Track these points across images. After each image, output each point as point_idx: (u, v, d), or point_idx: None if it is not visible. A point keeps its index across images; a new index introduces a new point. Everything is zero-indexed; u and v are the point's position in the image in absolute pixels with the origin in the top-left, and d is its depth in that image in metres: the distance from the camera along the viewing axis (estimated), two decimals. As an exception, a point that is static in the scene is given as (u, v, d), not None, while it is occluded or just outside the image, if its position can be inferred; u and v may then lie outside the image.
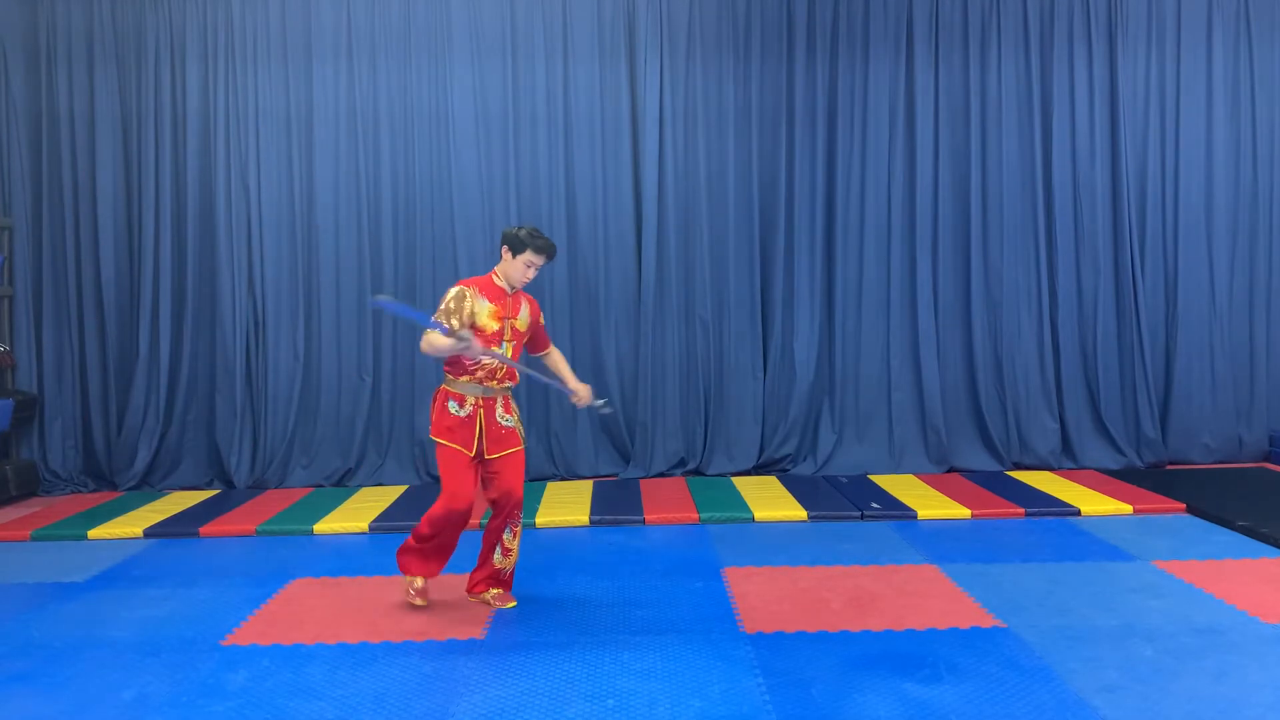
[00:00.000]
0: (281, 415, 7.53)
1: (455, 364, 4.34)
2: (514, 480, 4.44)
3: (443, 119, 7.52)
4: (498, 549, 4.55)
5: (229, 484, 7.45)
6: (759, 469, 7.59)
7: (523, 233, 4.36)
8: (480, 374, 4.35)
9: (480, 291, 4.34)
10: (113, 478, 7.52)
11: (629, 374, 7.63)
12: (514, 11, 7.52)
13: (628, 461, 7.60)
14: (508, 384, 4.44)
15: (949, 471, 7.50)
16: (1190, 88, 7.69)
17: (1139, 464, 7.54)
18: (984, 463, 7.55)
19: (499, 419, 4.42)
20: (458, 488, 4.31)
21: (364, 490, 7.23)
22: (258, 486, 7.43)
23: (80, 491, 7.43)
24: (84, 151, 7.49)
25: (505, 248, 4.38)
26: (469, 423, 4.35)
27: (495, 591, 4.61)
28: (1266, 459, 7.75)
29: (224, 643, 4.21)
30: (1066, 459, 7.60)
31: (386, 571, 5.24)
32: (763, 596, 4.65)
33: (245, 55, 7.48)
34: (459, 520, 4.39)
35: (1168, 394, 7.75)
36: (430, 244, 7.54)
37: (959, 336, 7.68)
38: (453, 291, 4.32)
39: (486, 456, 4.39)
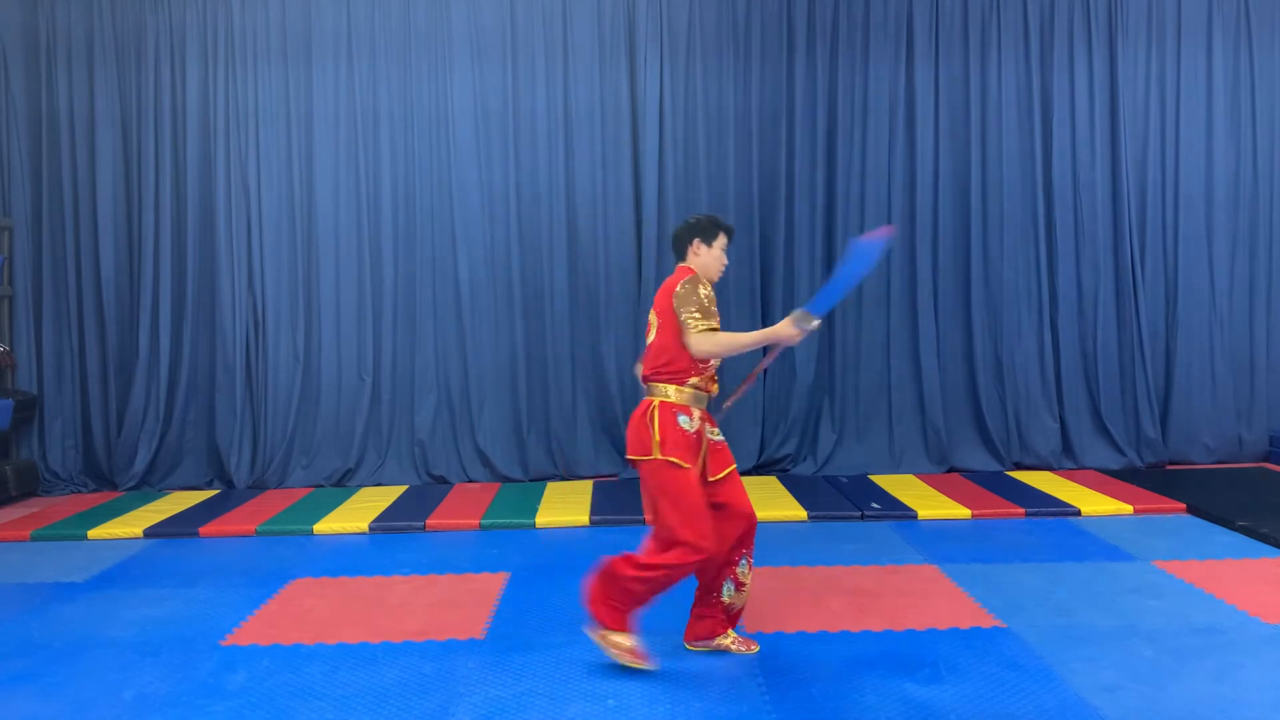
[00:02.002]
0: (281, 415, 7.53)
1: (687, 367, 3.76)
2: (747, 500, 3.87)
3: (443, 119, 7.53)
4: (728, 584, 3.88)
5: (229, 484, 7.45)
6: (759, 469, 7.59)
7: (705, 219, 3.91)
8: (705, 379, 3.82)
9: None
10: (113, 478, 7.53)
11: (629, 374, 7.62)
12: (514, 12, 7.52)
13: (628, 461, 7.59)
14: (714, 390, 3.92)
15: (949, 471, 7.50)
16: (1190, 88, 7.69)
17: (1139, 464, 7.54)
18: (984, 463, 7.55)
19: (711, 434, 3.90)
20: (704, 527, 3.65)
21: (364, 490, 7.23)
22: (258, 486, 7.43)
23: (80, 491, 7.43)
24: (84, 151, 7.49)
25: (697, 240, 3.87)
26: (696, 441, 3.78)
27: (733, 635, 3.98)
28: (1266, 459, 7.75)
29: (224, 643, 4.21)
30: (1067, 459, 7.60)
31: (386, 571, 5.24)
32: (763, 596, 4.65)
33: (245, 55, 7.48)
34: (694, 570, 3.78)
35: (1168, 394, 7.75)
36: (430, 244, 7.55)
37: (959, 336, 7.67)
38: (696, 284, 3.76)
39: (710, 479, 3.80)
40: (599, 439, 7.65)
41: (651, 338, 3.88)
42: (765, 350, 4.87)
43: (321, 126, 7.51)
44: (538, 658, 3.97)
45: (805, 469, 7.52)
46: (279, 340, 7.54)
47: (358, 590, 4.93)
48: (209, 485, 7.50)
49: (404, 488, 7.28)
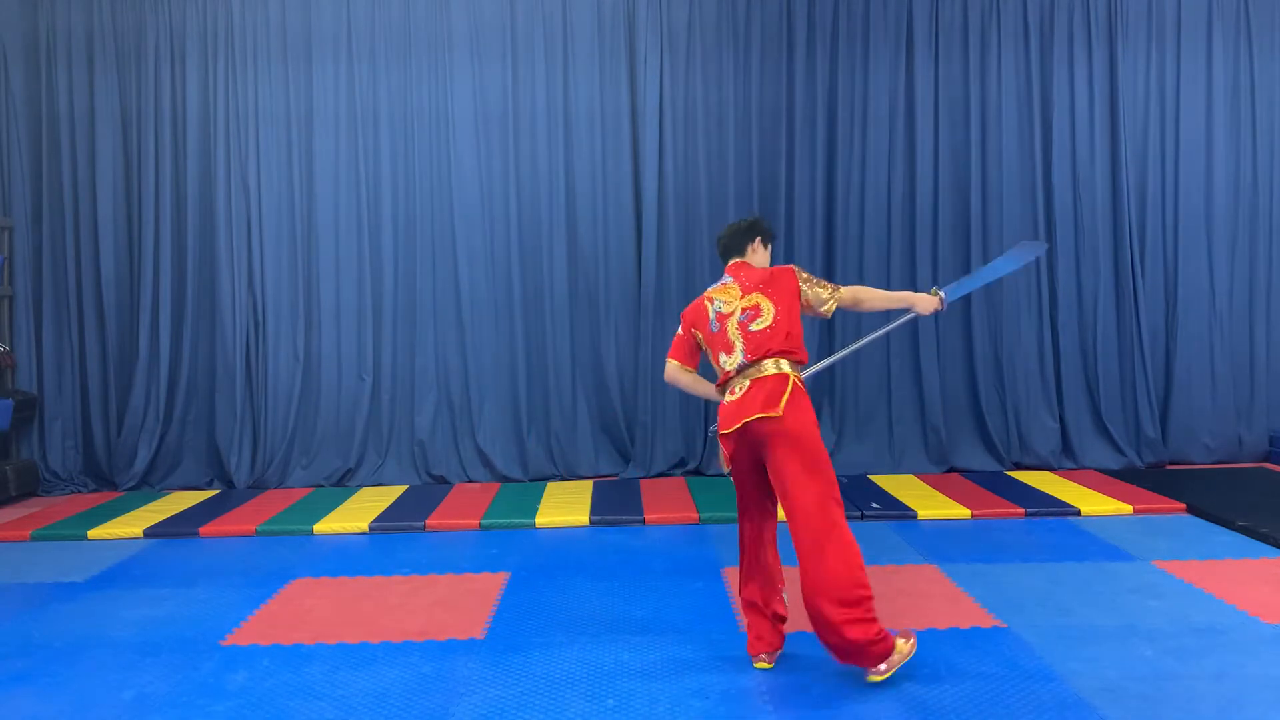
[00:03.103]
0: (281, 415, 7.53)
1: (801, 347, 3.95)
2: None
3: (443, 119, 7.53)
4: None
5: (229, 484, 7.45)
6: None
7: (764, 222, 4.21)
8: None
9: None
10: (113, 478, 7.52)
11: (629, 374, 7.63)
12: (514, 11, 7.52)
13: (628, 461, 7.60)
14: None
15: (949, 471, 7.49)
16: (1190, 88, 7.69)
17: (1139, 464, 7.53)
18: (984, 463, 7.55)
19: None
20: None
21: (364, 490, 7.23)
22: (258, 486, 7.43)
23: (80, 491, 7.43)
24: (84, 151, 7.49)
25: (759, 239, 4.13)
26: None
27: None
28: (1266, 459, 7.75)
29: (224, 643, 4.21)
30: (1066, 459, 7.60)
31: (386, 571, 5.24)
32: (763, 596, 4.65)
33: (245, 55, 7.48)
34: None
35: (1168, 394, 7.75)
36: (430, 244, 7.55)
37: (959, 336, 7.67)
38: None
39: None
40: (599, 439, 7.65)
41: (768, 322, 3.86)
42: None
43: (321, 126, 7.51)
44: (538, 658, 3.97)
45: (805, 469, 7.50)
46: (279, 340, 7.53)
47: (358, 590, 4.93)
48: (209, 485, 7.50)
49: (404, 488, 7.28)
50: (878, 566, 5.10)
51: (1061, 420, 7.64)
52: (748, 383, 3.81)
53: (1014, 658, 3.86)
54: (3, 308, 7.47)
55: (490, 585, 4.95)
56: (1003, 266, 4.61)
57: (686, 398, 7.60)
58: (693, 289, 7.57)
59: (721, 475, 7.47)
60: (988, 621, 4.26)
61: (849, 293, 4.05)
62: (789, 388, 3.73)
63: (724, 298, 3.98)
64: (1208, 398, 7.72)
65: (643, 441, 7.54)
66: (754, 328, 3.88)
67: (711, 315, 3.97)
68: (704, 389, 4.11)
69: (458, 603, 4.67)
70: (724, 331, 3.91)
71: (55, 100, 7.49)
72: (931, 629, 4.18)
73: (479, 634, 4.24)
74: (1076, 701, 3.45)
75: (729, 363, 3.88)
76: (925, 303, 4.15)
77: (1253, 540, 5.50)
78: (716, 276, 7.46)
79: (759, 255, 4.13)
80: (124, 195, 7.54)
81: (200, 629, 4.39)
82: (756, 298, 3.93)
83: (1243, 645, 3.96)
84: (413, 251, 7.56)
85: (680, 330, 4.10)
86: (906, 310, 4.20)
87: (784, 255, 7.58)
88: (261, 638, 4.26)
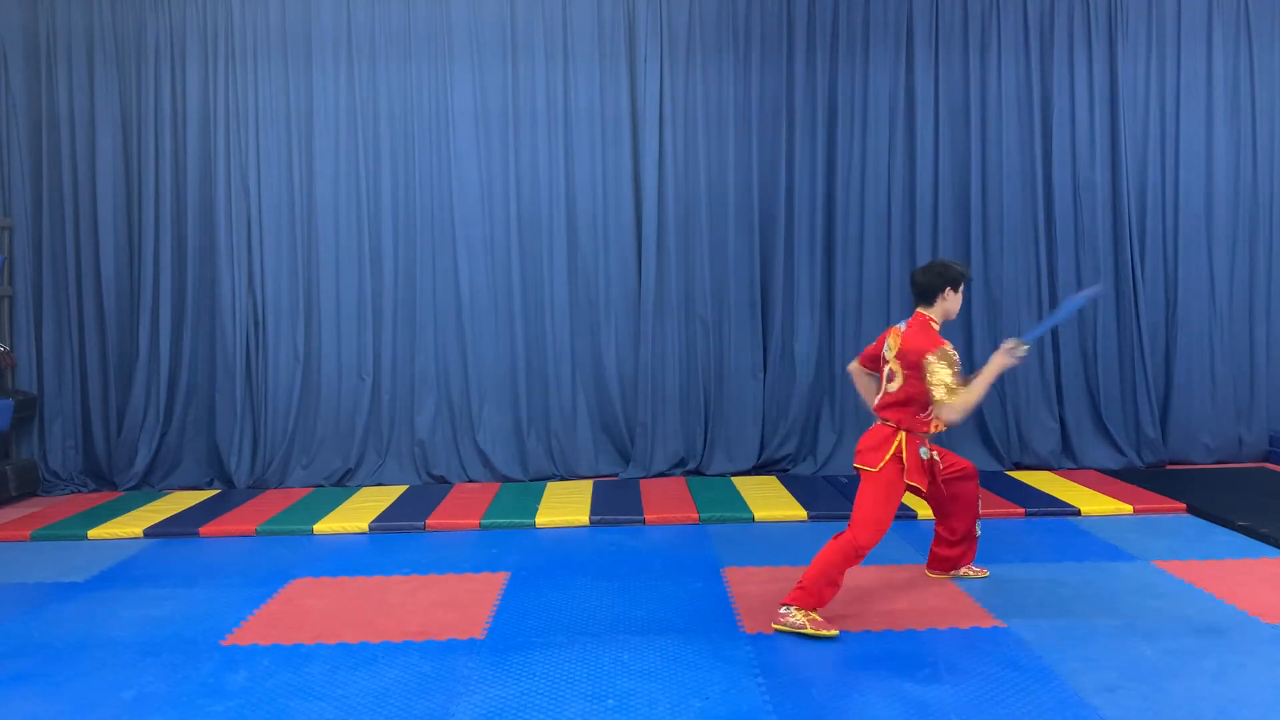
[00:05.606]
0: (281, 415, 7.53)
1: (926, 418, 4.36)
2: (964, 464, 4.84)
3: (443, 119, 7.53)
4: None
5: (229, 484, 7.45)
6: (759, 469, 7.58)
7: (957, 267, 4.41)
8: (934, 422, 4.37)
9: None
10: (113, 478, 7.52)
11: (629, 374, 7.63)
12: (514, 12, 7.52)
13: (628, 461, 7.60)
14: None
15: (949, 471, 7.48)
16: (1190, 88, 7.69)
17: (1139, 464, 7.54)
18: (984, 463, 7.54)
19: (933, 455, 4.62)
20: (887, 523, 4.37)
21: (364, 490, 7.23)
22: (258, 486, 7.43)
23: (80, 491, 7.43)
24: (84, 151, 7.49)
25: (949, 289, 4.36)
26: (928, 464, 4.53)
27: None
28: (1266, 459, 7.75)
29: (224, 643, 4.21)
30: (1066, 459, 7.60)
31: (387, 571, 5.24)
32: (763, 596, 4.65)
33: (245, 55, 7.48)
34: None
35: (1168, 394, 7.75)
36: (430, 244, 7.55)
37: (958, 336, 7.65)
38: (945, 356, 4.21)
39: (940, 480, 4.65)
40: (599, 439, 7.65)
41: (896, 386, 4.40)
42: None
43: (321, 126, 7.51)
44: (538, 658, 3.97)
45: (805, 469, 7.52)
46: (279, 340, 7.53)
47: (358, 590, 4.93)
48: (209, 485, 7.50)
49: (404, 488, 7.28)
50: (877, 566, 5.11)
51: (1061, 420, 7.64)
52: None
53: (1014, 658, 3.86)
54: (3, 308, 7.47)
55: (490, 585, 4.95)
56: (1065, 312, 4.72)
57: (687, 397, 7.61)
58: (692, 289, 7.58)
59: (722, 475, 7.47)
60: (988, 621, 4.26)
61: (957, 412, 4.20)
62: (903, 451, 4.42)
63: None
64: (1208, 398, 7.72)
65: (643, 441, 7.54)
66: (888, 385, 4.56)
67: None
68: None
69: (458, 603, 4.67)
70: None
71: (55, 100, 7.48)
72: (931, 629, 4.18)
73: (479, 634, 4.24)
74: (1076, 701, 3.45)
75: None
76: (1005, 363, 4.28)
77: (1253, 540, 5.50)
78: (716, 276, 7.57)
79: (947, 303, 4.41)
80: (124, 195, 7.54)
81: (200, 629, 4.40)
82: (896, 361, 4.46)
83: (1243, 645, 3.96)
84: (413, 251, 7.56)
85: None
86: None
87: (784, 255, 7.58)
88: (261, 638, 4.26)
